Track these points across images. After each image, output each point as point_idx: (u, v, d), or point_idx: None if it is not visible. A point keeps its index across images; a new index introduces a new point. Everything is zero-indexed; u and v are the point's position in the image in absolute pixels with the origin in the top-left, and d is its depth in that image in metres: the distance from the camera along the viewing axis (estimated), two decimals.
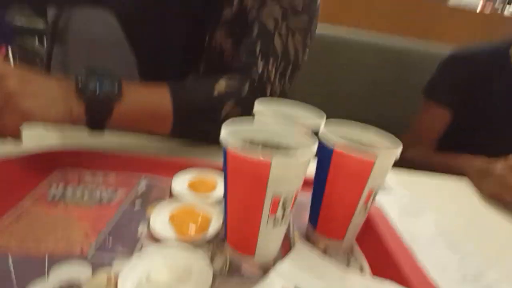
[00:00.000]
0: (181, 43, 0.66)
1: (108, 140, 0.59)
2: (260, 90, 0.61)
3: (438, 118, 0.86)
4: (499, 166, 0.61)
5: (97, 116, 0.48)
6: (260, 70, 0.61)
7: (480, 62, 0.81)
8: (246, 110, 0.51)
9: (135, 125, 0.54)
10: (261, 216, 0.33)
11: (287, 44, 0.62)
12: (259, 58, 0.61)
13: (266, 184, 0.31)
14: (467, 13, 1.47)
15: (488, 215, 0.59)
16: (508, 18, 1.33)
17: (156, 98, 0.54)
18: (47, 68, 1.08)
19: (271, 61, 0.61)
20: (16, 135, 0.44)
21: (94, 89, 0.47)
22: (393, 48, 1.11)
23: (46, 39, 1.06)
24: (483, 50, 0.83)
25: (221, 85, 0.58)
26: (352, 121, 0.41)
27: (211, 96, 0.57)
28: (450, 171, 0.71)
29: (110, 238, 0.36)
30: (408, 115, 0.98)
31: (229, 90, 0.58)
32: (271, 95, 0.63)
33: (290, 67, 0.63)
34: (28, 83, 0.43)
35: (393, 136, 0.39)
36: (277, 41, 0.62)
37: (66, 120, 0.46)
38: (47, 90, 0.45)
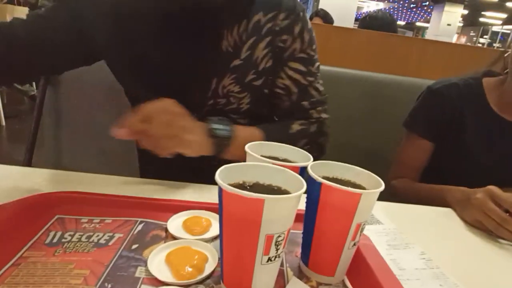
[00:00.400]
0: (186, 88, 0.69)
1: (104, 182, 0.60)
2: (321, 132, 0.76)
3: (420, 149, 0.90)
4: (479, 194, 0.64)
5: (219, 150, 0.63)
6: (316, 118, 0.75)
7: (456, 94, 0.87)
8: (314, 148, 0.74)
9: (239, 156, 0.64)
10: (255, 255, 0.35)
11: (317, 88, 0.76)
12: (309, 109, 0.75)
13: (260, 223, 0.33)
14: (443, 44, 1.55)
15: (473, 244, 0.61)
16: (481, 49, 1.42)
17: (254, 136, 0.67)
18: (39, 108, 1.10)
19: (316, 107, 0.75)
20: (168, 155, 0.57)
21: (220, 132, 0.63)
22: (373, 80, 1.17)
23: (39, 81, 1.09)
24: (458, 82, 0.89)
25: (295, 127, 0.72)
26: (336, 162, 0.44)
27: (290, 134, 0.72)
28: (434, 202, 0.74)
29: (110, 285, 0.37)
30: (390, 146, 1.02)
31: (301, 131, 0.73)
32: (327, 132, 0.77)
33: (325, 104, 0.77)
34: (191, 122, 0.59)
35: (375, 175, 0.42)
36: (312, 90, 0.75)
37: (199, 153, 0.60)
38: (197, 129, 0.61)
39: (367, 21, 1.93)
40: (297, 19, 0.70)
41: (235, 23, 0.67)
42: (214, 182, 0.34)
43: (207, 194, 0.61)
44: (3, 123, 3.25)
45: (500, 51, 0.90)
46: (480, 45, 19.23)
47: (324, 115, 0.76)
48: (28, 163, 1.07)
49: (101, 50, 0.71)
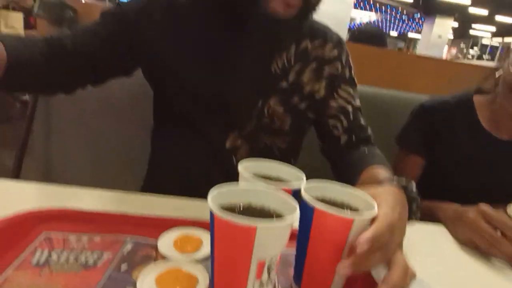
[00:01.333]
0: (233, 105, 0.70)
1: (94, 197, 0.59)
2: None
3: (412, 165, 0.91)
4: (471, 213, 0.65)
5: None
6: (370, 134, 0.79)
7: (447, 112, 0.88)
8: None
9: None
10: (247, 281, 0.34)
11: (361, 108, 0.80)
12: (366, 128, 0.79)
13: (252, 249, 0.32)
14: (434, 60, 1.58)
15: (464, 262, 0.61)
16: (471, 66, 1.45)
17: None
18: (31, 114, 1.09)
19: (368, 125, 0.80)
20: None
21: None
22: (364, 94, 1.18)
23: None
24: (450, 100, 0.90)
25: (379, 152, 0.75)
26: (330, 181, 0.44)
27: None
28: (426, 218, 0.74)
29: None
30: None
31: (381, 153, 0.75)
32: None
33: None
34: None
35: (368, 196, 0.42)
36: (360, 111, 0.79)
37: None
38: None
39: (356, 35, 1.97)
40: (343, 49, 0.77)
41: (285, 47, 0.71)
42: None
43: (202, 209, 0.60)
44: None
45: (490, 68, 0.91)
46: (470, 56, 19.63)
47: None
48: (17, 169, 1.06)
49: (149, 62, 0.71)
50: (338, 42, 0.76)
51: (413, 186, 0.55)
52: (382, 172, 0.62)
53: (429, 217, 0.75)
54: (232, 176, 0.53)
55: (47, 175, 1.07)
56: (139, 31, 0.67)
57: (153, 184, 0.84)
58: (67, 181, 1.06)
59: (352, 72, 0.79)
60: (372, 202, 0.41)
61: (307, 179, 0.50)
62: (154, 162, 0.85)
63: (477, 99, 0.89)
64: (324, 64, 0.75)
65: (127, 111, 1.01)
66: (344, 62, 0.77)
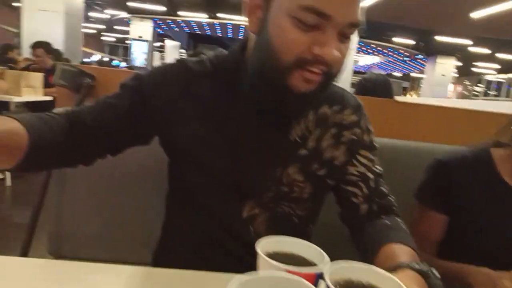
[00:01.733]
0: (249, 174, 0.69)
1: (104, 272, 0.58)
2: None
3: (433, 222, 0.87)
4: (506, 281, 0.60)
5: None
6: (393, 201, 0.75)
7: (465, 167, 0.86)
8: None
9: None
10: None
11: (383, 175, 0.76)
12: (387, 195, 0.75)
13: None
14: (444, 109, 1.56)
15: None
16: (482, 113, 1.43)
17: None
18: (47, 180, 1.09)
19: (390, 193, 0.75)
20: None
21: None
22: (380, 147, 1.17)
23: None
24: (467, 154, 0.87)
25: (403, 225, 0.70)
26: (354, 262, 0.42)
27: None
28: (454, 281, 0.69)
29: None
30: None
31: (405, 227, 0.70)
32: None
33: None
34: None
35: (396, 279, 0.39)
36: (382, 178, 0.76)
37: None
38: None
39: (362, 84, 2.03)
40: (363, 114, 0.76)
41: (304, 114, 0.70)
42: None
43: (217, 284, 0.57)
44: (9, 183, 3.22)
45: (507, 117, 0.88)
46: (475, 93, 19.78)
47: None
48: (32, 227, 1.06)
49: (165, 133, 0.71)
50: (357, 107, 0.75)
51: (435, 272, 0.51)
52: (402, 253, 0.58)
53: (457, 281, 0.71)
54: (249, 246, 0.51)
55: (59, 236, 1.06)
56: (156, 103, 0.68)
57: (166, 249, 0.82)
58: (80, 243, 1.05)
59: (372, 136, 0.77)
60: (401, 285, 0.39)
61: (326, 240, 0.47)
62: (167, 227, 0.83)
63: (496, 152, 0.87)
64: (343, 129, 0.73)
65: (143, 174, 1.02)
66: (363, 127, 0.75)
